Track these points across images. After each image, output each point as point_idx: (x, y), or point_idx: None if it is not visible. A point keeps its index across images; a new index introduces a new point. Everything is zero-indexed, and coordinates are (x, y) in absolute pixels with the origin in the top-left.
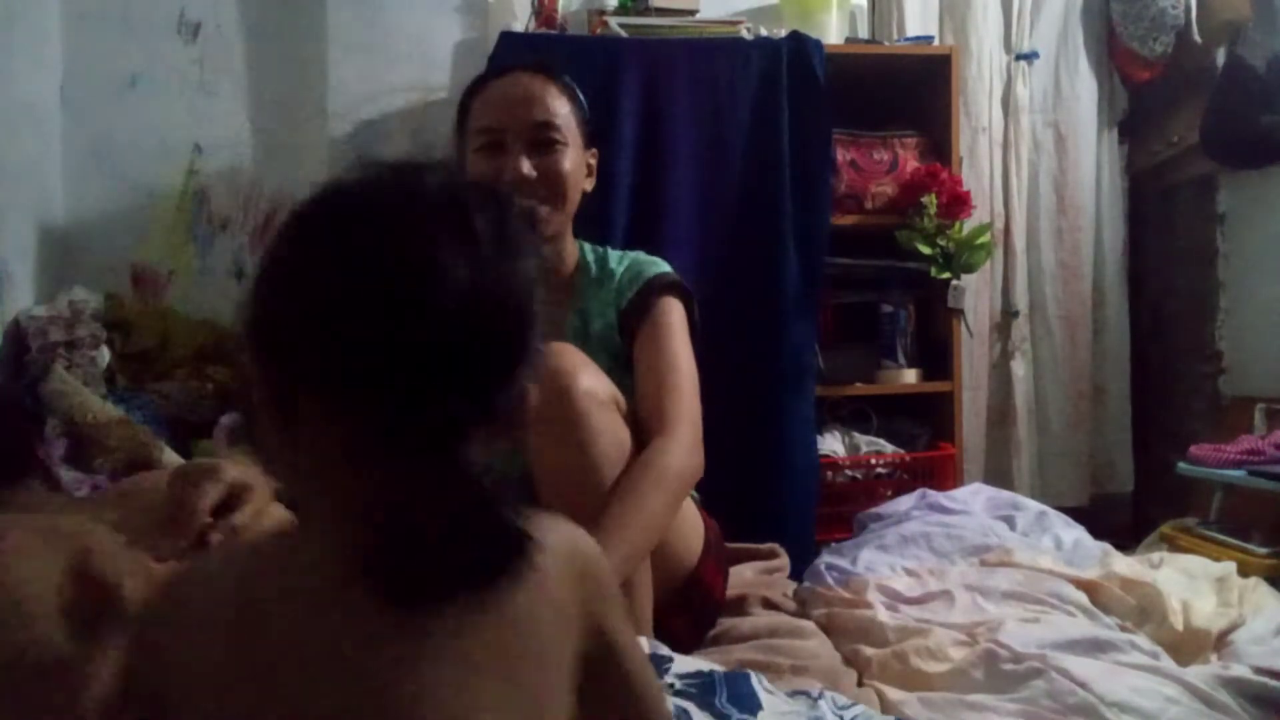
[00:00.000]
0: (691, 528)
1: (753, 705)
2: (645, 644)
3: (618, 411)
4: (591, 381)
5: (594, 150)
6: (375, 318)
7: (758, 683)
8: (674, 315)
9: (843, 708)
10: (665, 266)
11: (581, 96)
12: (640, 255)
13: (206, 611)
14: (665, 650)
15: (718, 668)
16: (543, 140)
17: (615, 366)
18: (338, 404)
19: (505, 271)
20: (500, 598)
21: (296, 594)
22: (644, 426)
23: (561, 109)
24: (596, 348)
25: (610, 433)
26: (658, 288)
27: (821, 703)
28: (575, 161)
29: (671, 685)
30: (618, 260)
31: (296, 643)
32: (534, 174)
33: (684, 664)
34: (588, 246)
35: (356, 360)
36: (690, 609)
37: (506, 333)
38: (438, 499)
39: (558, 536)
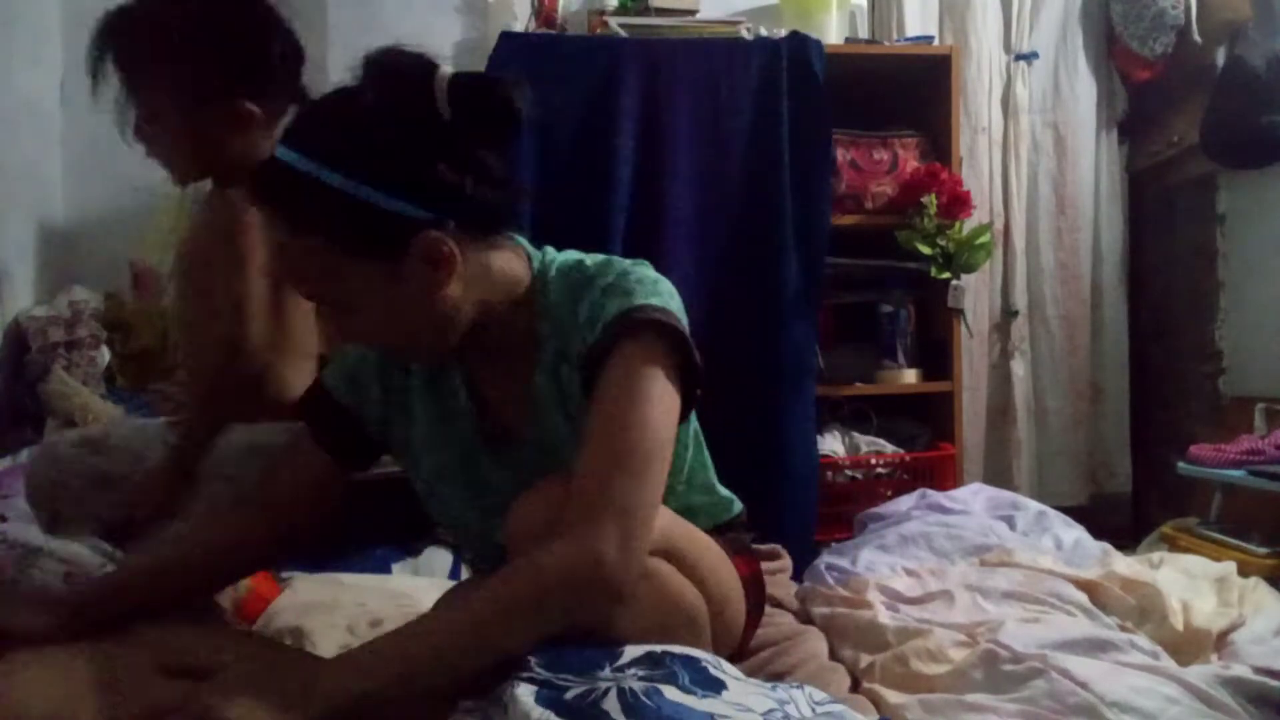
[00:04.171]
0: (736, 610)
1: (716, 685)
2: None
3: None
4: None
5: (421, 238)
6: None
7: (716, 667)
8: (638, 370)
9: (819, 703)
10: (645, 294)
11: (346, 183)
12: (617, 275)
13: None
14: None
15: (672, 648)
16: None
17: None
18: None
19: None
20: None
21: None
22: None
23: (308, 262)
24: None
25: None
26: (627, 326)
27: (796, 692)
28: (383, 307)
29: (636, 672)
30: (588, 280)
31: None
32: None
33: (632, 650)
34: (556, 267)
35: None
36: None
37: None
38: None
39: None
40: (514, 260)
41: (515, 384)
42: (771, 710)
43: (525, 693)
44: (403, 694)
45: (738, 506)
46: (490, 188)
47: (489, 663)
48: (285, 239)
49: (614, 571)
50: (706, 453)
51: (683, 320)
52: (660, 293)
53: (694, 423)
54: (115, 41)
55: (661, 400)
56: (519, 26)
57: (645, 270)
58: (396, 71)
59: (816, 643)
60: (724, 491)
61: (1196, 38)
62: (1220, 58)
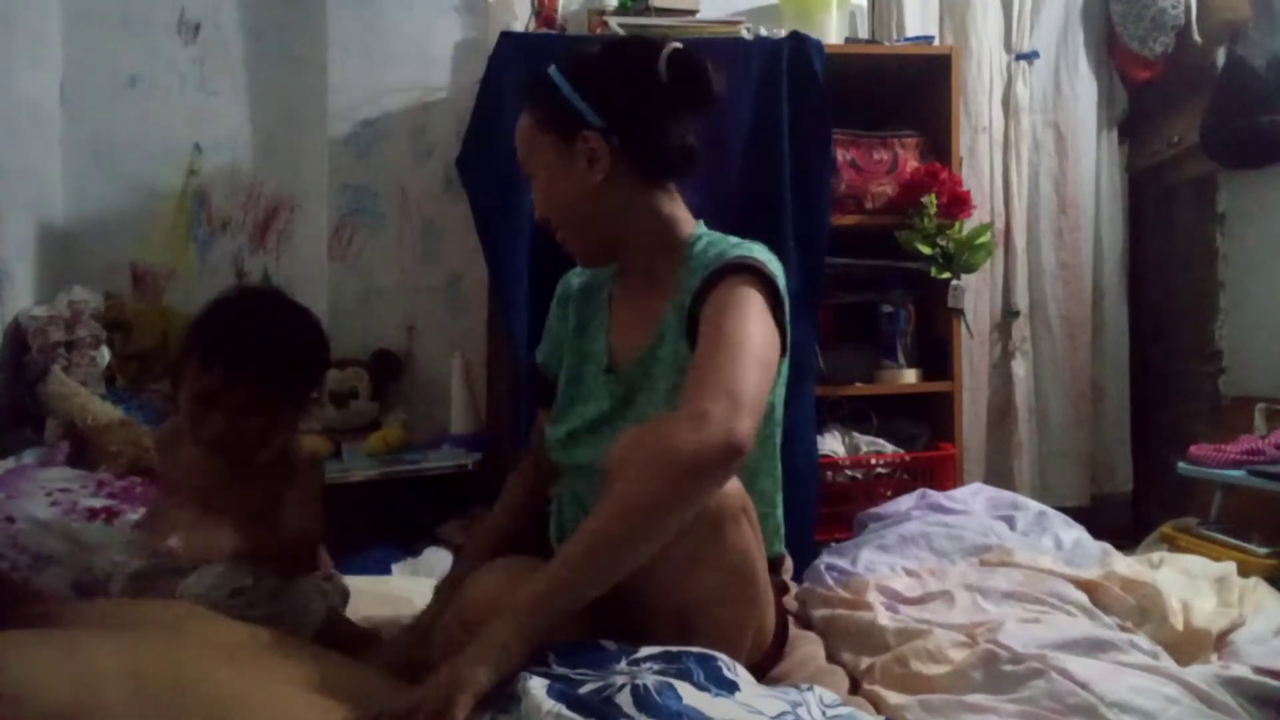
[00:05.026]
0: (768, 626)
1: (730, 685)
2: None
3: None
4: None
5: (585, 134)
6: None
7: (730, 669)
8: (742, 293)
9: (829, 706)
10: (753, 250)
11: (560, 79)
12: (744, 243)
13: None
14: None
15: (689, 648)
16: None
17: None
18: None
19: None
20: None
21: None
22: None
23: (527, 134)
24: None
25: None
26: (730, 269)
27: (808, 695)
28: (554, 180)
29: (651, 667)
30: (726, 243)
31: None
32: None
33: (648, 648)
34: (711, 235)
35: None
36: None
37: None
38: None
39: None
40: (675, 213)
41: (648, 314)
42: (783, 713)
43: (537, 685)
44: (559, 606)
45: (780, 547)
46: (664, 139)
47: (645, 555)
48: (524, 121)
49: (725, 426)
50: (779, 467)
51: (783, 292)
52: (771, 268)
53: (773, 431)
54: None
55: (761, 316)
56: (519, 26)
57: (768, 253)
58: (647, 38)
59: (813, 646)
60: (777, 513)
61: (1196, 38)
62: (1220, 58)
